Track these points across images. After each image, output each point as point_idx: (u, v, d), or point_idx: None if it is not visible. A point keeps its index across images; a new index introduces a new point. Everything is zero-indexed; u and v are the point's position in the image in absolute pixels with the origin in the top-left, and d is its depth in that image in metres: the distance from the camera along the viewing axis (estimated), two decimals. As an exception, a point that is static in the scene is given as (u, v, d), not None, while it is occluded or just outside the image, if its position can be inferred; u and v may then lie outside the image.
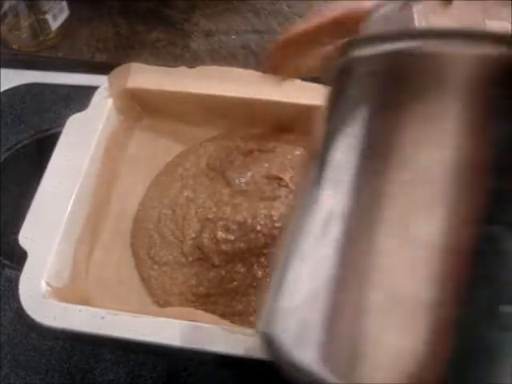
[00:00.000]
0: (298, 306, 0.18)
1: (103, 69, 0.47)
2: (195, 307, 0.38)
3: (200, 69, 0.45)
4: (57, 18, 0.56)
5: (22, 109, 0.51)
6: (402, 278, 0.16)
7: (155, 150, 0.47)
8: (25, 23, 0.55)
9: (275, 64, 0.30)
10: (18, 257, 0.38)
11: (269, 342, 0.18)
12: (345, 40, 0.22)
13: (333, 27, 0.26)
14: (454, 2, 0.22)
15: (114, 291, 0.40)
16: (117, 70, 0.45)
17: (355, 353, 0.16)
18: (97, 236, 0.43)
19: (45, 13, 0.54)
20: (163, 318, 0.34)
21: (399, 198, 0.17)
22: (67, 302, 0.36)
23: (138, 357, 0.39)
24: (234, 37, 0.56)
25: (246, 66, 0.47)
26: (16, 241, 0.38)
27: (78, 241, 0.40)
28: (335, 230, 0.18)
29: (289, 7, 0.58)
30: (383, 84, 0.20)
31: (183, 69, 0.45)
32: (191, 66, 0.45)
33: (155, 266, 0.41)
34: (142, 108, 0.47)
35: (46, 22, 0.55)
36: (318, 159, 0.21)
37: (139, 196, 0.45)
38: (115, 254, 0.42)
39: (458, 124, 0.17)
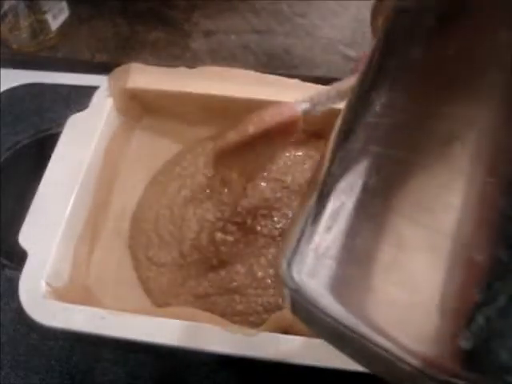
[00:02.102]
0: (316, 247, 0.19)
1: (103, 69, 0.47)
2: (195, 308, 0.38)
3: (200, 69, 0.45)
4: (57, 17, 0.56)
5: (21, 109, 0.51)
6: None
7: (155, 150, 0.47)
8: (25, 23, 0.55)
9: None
10: (18, 257, 0.38)
11: (288, 275, 0.19)
12: None
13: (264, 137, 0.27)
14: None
15: (114, 291, 0.40)
16: (117, 70, 0.45)
17: (366, 287, 0.17)
18: (97, 236, 0.43)
19: (45, 13, 0.54)
20: (163, 318, 0.34)
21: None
22: (67, 302, 0.36)
23: (138, 357, 0.39)
24: (233, 37, 0.56)
25: (245, 66, 0.47)
26: (16, 241, 0.38)
27: (78, 241, 0.40)
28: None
29: (289, 7, 0.58)
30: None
31: (183, 69, 0.45)
32: (191, 66, 0.45)
33: (153, 267, 0.41)
34: (142, 108, 0.47)
35: (45, 21, 0.55)
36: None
37: (139, 196, 0.45)
38: (115, 254, 0.42)
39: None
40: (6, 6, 0.54)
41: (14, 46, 0.56)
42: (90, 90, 0.45)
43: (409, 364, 0.16)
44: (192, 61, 0.54)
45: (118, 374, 0.38)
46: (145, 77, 0.45)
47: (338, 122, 0.21)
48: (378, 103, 0.19)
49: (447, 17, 0.19)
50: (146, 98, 0.46)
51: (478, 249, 0.16)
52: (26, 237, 0.38)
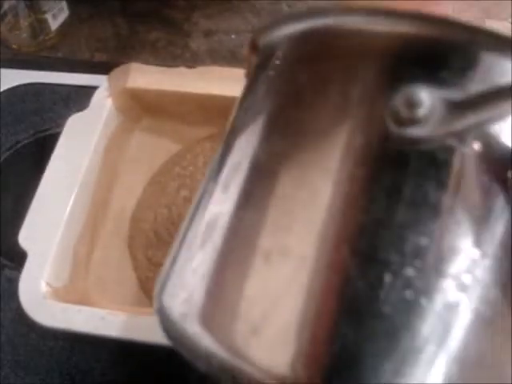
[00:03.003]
0: (186, 283, 0.19)
1: (103, 69, 0.47)
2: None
3: (200, 69, 0.45)
4: (57, 17, 0.56)
5: (21, 109, 0.51)
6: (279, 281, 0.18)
7: (155, 150, 0.47)
8: (25, 23, 0.55)
9: None
10: (18, 257, 0.38)
11: (160, 314, 0.20)
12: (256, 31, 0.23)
13: None
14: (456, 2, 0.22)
15: (114, 291, 0.40)
16: (117, 70, 0.45)
17: (232, 315, 0.18)
18: (96, 236, 0.43)
19: (44, 12, 0.54)
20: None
21: (281, 212, 0.18)
22: (67, 302, 0.36)
23: (138, 357, 0.39)
24: (233, 37, 0.56)
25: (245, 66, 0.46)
26: (16, 241, 0.38)
27: (77, 241, 0.40)
28: (219, 234, 0.19)
29: (289, 7, 0.58)
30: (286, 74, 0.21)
31: (183, 69, 0.45)
32: (191, 66, 0.45)
33: (153, 267, 0.41)
34: (141, 108, 0.47)
35: (45, 21, 0.55)
36: (219, 155, 0.22)
37: (138, 196, 0.45)
38: (115, 254, 0.42)
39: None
40: (5, 6, 0.54)
41: (14, 46, 0.56)
42: (90, 90, 0.45)
43: None
44: (192, 61, 0.54)
45: (118, 374, 0.38)
46: (145, 77, 0.45)
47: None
48: (246, 148, 0.21)
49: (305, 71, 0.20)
50: (146, 98, 0.46)
51: (337, 273, 0.17)
52: (26, 237, 0.38)
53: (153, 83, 0.45)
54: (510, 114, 0.17)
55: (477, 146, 0.17)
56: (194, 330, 0.18)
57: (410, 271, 0.16)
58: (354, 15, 0.19)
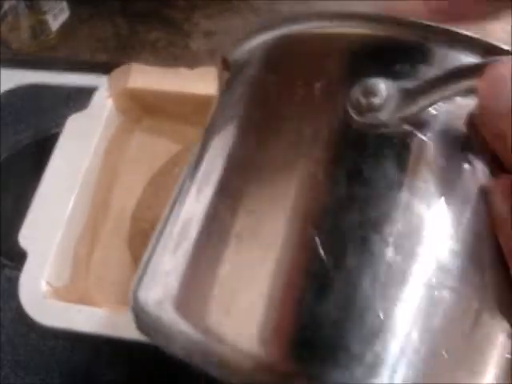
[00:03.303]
0: (161, 275, 0.21)
1: (103, 69, 0.47)
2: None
3: (200, 69, 0.45)
4: (57, 17, 0.56)
5: (21, 109, 0.51)
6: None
7: (155, 151, 0.47)
8: (25, 23, 0.55)
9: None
10: (18, 257, 0.38)
11: (135, 309, 0.21)
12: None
13: None
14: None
15: (114, 291, 0.40)
16: (117, 71, 0.45)
17: (206, 298, 0.19)
18: (97, 236, 0.43)
19: (45, 13, 0.54)
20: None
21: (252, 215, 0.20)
22: (67, 301, 0.36)
23: (138, 357, 0.39)
24: (233, 37, 0.56)
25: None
26: (16, 241, 0.38)
27: (78, 241, 0.40)
28: (193, 232, 0.20)
29: (289, 7, 0.58)
30: (259, 79, 0.23)
31: (183, 69, 0.45)
32: (191, 66, 0.45)
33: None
34: (142, 108, 0.47)
35: (45, 22, 0.55)
36: (195, 157, 0.23)
37: (139, 196, 0.45)
38: (115, 253, 0.42)
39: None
40: (6, 6, 0.54)
41: (14, 46, 0.56)
42: (90, 91, 0.45)
43: (247, 368, 0.18)
44: (192, 61, 0.54)
45: (118, 374, 0.38)
46: (145, 77, 0.45)
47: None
48: (219, 139, 0.23)
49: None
50: (146, 99, 0.46)
51: (303, 250, 0.18)
52: (26, 237, 0.38)
53: (153, 84, 0.45)
54: (458, 96, 0.19)
55: (432, 130, 0.19)
56: (170, 317, 0.19)
57: (373, 243, 0.18)
58: (314, 20, 0.21)
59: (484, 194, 0.19)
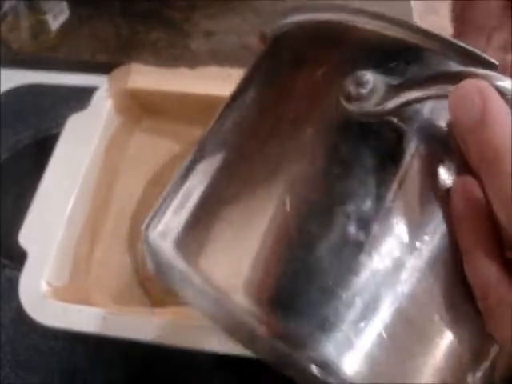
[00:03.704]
0: (168, 218, 0.23)
1: (103, 69, 0.47)
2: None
3: (200, 69, 0.45)
4: (57, 17, 0.56)
5: (21, 109, 0.51)
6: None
7: (155, 151, 0.47)
8: (25, 23, 0.55)
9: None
10: (18, 257, 0.38)
11: (147, 242, 0.23)
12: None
13: None
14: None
15: (114, 291, 0.40)
16: (117, 71, 0.45)
17: (202, 246, 0.21)
18: (97, 236, 0.43)
19: (45, 13, 0.54)
20: (163, 318, 0.35)
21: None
22: (67, 301, 0.36)
23: (138, 357, 0.39)
24: (234, 37, 0.56)
25: (245, 66, 0.47)
26: (16, 241, 0.38)
27: (77, 241, 0.40)
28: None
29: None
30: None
31: (183, 69, 0.45)
32: (191, 66, 0.45)
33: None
34: (141, 108, 0.47)
35: (45, 22, 0.55)
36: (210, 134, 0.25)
37: (139, 196, 0.45)
38: (115, 253, 0.42)
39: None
40: (6, 6, 0.54)
41: (14, 46, 0.56)
42: (90, 90, 0.45)
43: (236, 311, 0.20)
44: (192, 61, 0.54)
45: (118, 374, 0.38)
46: (145, 77, 0.45)
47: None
48: (237, 107, 0.25)
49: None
50: (146, 99, 0.46)
51: (291, 222, 0.20)
52: (26, 237, 0.38)
53: (153, 84, 0.45)
54: (440, 97, 0.20)
55: (413, 124, 0.21)
56: (168, 249, 0.22)
57: (339, 219, 0.20)
58: (336, 11, 0.24)
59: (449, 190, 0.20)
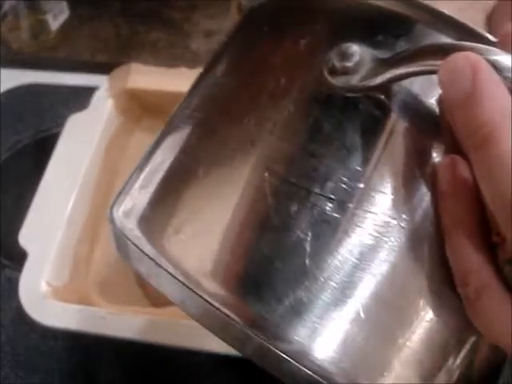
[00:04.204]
0: (133, 196, 0.22)
1: (103, 69, 0.47)
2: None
3: (200, 69, 0.45)
4: (57, 17, 0.56)
5: (22, 109, 0.51)
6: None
7: (155, 150, 0.47)
8: (25, 23, 0.55)
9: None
10: (18, 257, 0.38)
11: (111, 221, 0.22)
12: None
13: None
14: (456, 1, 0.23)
15: (114, 291, 0.40)
16: (117, 71, 0.45)
17: (168, 228, 0.20)
18: (97, 236, 0.43)
19: (45, 13, 0.54)
20: (163, 318, 0.35)
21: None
22: (67, 301, 0.36)
23: (138, 357, 0.39)
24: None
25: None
26: (16, 241, 0.38)
27: (78, 241, 0.40)
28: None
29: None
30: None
31: (183, 69, 0.45)
32: (191, 66, 0.45)
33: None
34: (141, 108, 0.47)
35: (45, 22, 0.55)
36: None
37: (139, 196, 0.45)
38: (115, 254, 0.42)
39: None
40: (6, 6, 0.54)
41: (14, 46, 0.56)
42: (90, 90, 0.45)
43: (200, 296, 0.19)
44: (192, 61, 0.54)
45: (118, 374, 0.38)
46: (145, 77, 0.45)
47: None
48: (211, 78, 0.24)
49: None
50: (146, 99, 0.46)
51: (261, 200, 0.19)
52: (26, 237, 0.38)
53: (153, 84, 0.45)
54: (430, 72, 0.19)
55: (402, 102, 0.20)
56: (131, 229, 0.21)
57: (316, 196, 0.19)
58: None
59: (434, 169, 0.19)
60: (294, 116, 0.20)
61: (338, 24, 0.22)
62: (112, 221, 0.22)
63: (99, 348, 0.39)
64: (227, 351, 0.33)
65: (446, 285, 0.19)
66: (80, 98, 0.47)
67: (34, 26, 0.55)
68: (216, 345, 0.33)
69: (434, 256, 0.19)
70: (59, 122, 0.46)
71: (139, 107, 0.47)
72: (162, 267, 0.20)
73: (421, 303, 0.19)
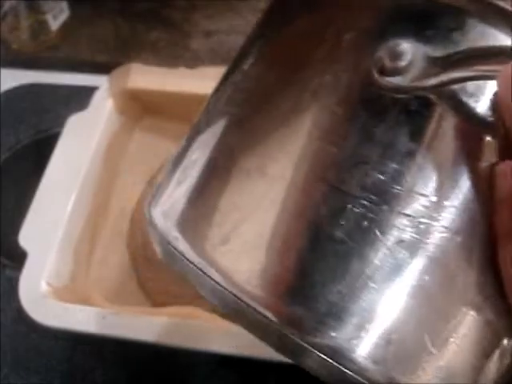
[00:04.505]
0: (172, 195, 0.21)
1: (103, 69, 0.47)
2: (194, 307, 0.38)
3: (200, 69, 0.45)
4: (57, 17, 0.56)
5: (22, 109, 0.51)
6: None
7: (155, 150, 0.47)
8: (25, 23, 0.55)
9: None
10: (18, 257, 0.38)
11: (149, 220, 0.21)
12: None
13: None
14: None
15: (114, 291, 0.40)
16: (117, 71, 0.45)
17: (210, 230, 0.20)
18: (97, 236, 0.43)
19: (45, 13, 0.54)
20: (163, 318, 0.35)
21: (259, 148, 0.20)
22: (67, 301, 0.36)
23: (138, 357, 0.39)
24: (234, 37, 0.56)
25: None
26: (16, 241, 0.38)
27: (78, 241, 0.40)
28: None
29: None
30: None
31: (183, 69, 0.45)
32: (191, 66, 0.45)
33: (152, 268, 0.41)
34: (142, 108, 0.47)
35: (45, 22, 0.55)
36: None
37: (139, 196, 0.45)
38: (115, 253, 0.42)
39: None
40: (6, 6, 0.54)
41: (14, 46, 0.56)
42: (90, 90, 0.45)
43: (242, 301, 0.18)
44: (192, 61, 0.54)
45: (118, 374, 0.38)
46: (145, 77, 0.45)
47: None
48: (242, 70, 0.23)
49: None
50: (146, 98, 0.46)
51: (306, 208, 0.19)
52: (26, 237, 0.38)
53: (153, 83, 0.45)
54: (487, 78, 0.18)
55: (456, 104, 0.19)
56: (170, 230, 0.20)
57: (368, 205, 0.18)
58: None
59: (489, 174, 0.19)
60: (341, 118, 0.19)
61: (384, 17, 0.20)
62: (152, 223, 0.21)
63: (99, 348, 0.39)
64: (227, 351, 0.33)
65: (493, 293, 0.18)
66: (80, 98, 0.47)
67: (33, 25, 0.55)
68: (216, 345, 0.33)
69: (482, 264, 0.18)
70: (59, 122, 0.46)
71: (139, 107, 0.47)
72: (212, 279, 0.19)
73: (464, 309, 0.18)
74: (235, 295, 0.18)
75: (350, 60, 0.20)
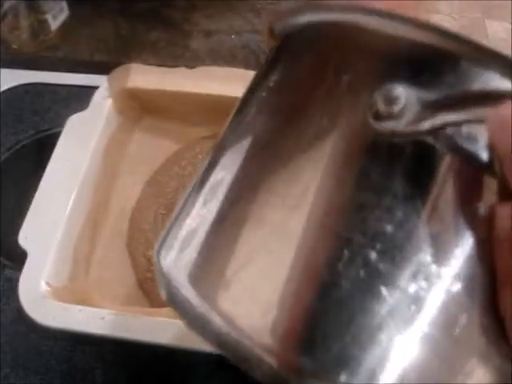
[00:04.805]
0: (182, 239, 0.21)
1: (103, 69, 0.47)
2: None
3: (200, 69, 0.45)
4: (57, 17, 0.56)
5: (21, 109, 0.51)
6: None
7: (155, 150, 0.47)
8: (25, 23, 0.55)
9: None
10: (18, 257, 0.38)
11: (157, 267, 0.21)
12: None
13: None
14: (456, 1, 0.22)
15: (114, 291, 0.40)
16: (117, 71, 0.45)
17: (219, 281, 0.20)
18: (97, 236, 0.43)
19: (45, 13, 0.54)
20: (163, 318, 0.34)
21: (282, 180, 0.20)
22: (67, 302, 0.36)
23: (138, 357, 0.39)
24: (233, 37, 0.56)
25: (246, 66, 0.47)
26: (16, 241, 0.38)
27: (77, 241, 0.40)
28: (220, 194, 0.21)
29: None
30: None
31: (183, 69, 0.45)
32: (191, 66, 0.45)
33: (152, 267, 0.41)
34: (141, 108, 0.47)
35: (45, 21, 0.55)
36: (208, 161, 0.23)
37: (139, 196, 0.45)
38: (115, 253, 0.42)
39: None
40: (6, 6, 0.54)
41: (14, 46, 0.56)
42: (90, 90, 0.45)
43: (254, 353, 0.19)
44: (192, 61, 0.54)
45: (118, 374, 0.38)
46: (145, 77, 0.45)
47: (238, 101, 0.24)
48: (243, 121, 0.23)
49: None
50: (146, 98, 0.46)
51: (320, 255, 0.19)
52: (26, 237, 0.38)
53: (153, 83, 0.45)
54: (481, 122, 0.18)
55: (452, 146, 0.19)
56: (180, 280, 0.20)
57: (369, 252, 0.18)
58: (357, 13, 0.21)
59: (489, 214, 0.18)
60: (339, 163, 0.19)
61: (381, 61, 0.20)
62: (160, 270, 0.21)
63: (99, 348, 0.39)
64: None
65: (497, 336, 0.18)
66: (80, 98, 0.47)
67: (33, 25, 0.55)
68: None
69: (484, 306, 0.18)
70: (59, 122, 0.46)
71: (139, 107, 0.47)
72: (217, 328, 0.19)
73: (468, 352, 0.18)
74: (249, 346, 0.19)
75: (347, 103, 0.20)
